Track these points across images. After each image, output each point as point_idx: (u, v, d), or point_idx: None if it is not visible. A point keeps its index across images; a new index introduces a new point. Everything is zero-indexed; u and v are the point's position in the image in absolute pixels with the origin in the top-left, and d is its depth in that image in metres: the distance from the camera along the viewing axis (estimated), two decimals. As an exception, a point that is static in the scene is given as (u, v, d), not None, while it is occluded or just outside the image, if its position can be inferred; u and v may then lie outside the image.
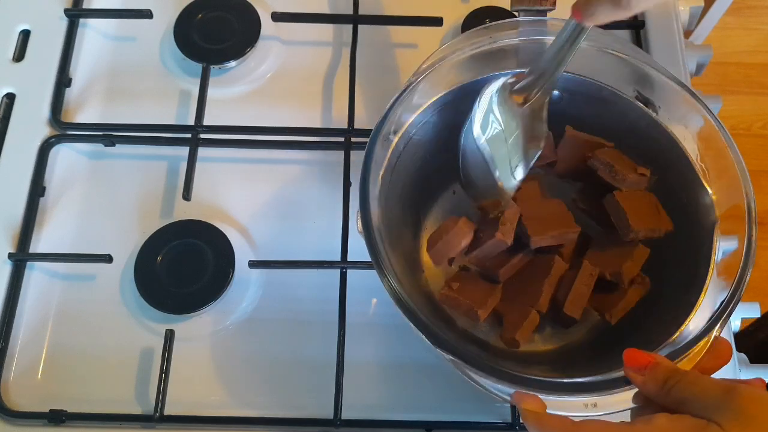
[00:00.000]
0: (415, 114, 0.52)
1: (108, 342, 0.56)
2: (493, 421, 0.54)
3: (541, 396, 0.42)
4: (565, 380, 0.43)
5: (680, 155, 0.50)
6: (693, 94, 0.50)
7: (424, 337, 0.43)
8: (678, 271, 0.50)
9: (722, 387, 0.36)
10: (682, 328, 0.44)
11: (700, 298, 0.45)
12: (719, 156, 0.48)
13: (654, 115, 0.51)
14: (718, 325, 0.43)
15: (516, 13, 0.55)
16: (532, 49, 0.53)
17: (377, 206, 0.47)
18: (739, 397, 0.35)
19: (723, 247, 0.46)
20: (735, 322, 0.58)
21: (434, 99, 0.52)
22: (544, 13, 0.54)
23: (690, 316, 0.45)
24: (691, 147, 0.50)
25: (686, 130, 0.51)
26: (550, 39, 0.53)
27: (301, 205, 0.61)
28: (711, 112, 0.49)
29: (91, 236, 0.60)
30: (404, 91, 0.50)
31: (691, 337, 0.43)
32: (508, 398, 0.43)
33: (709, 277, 0.46)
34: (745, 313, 0.57)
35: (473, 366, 0.42)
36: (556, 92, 0.54)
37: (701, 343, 0.42)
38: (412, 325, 0.43)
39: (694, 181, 0.49)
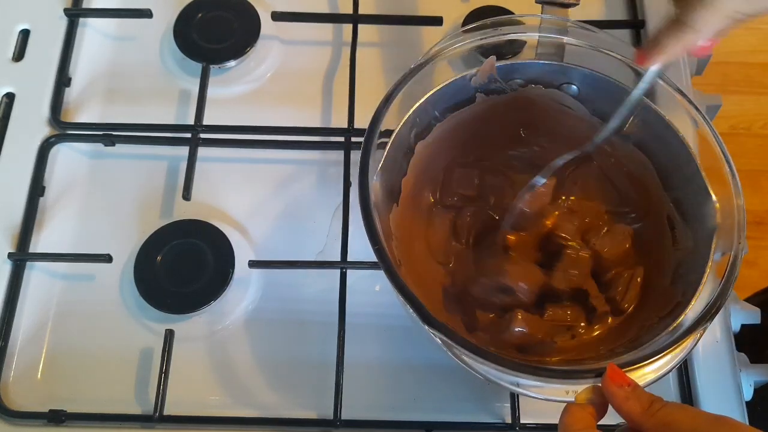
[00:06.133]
0: (418, 102, 0.52)
1: (108, 342, 0.56)
2: (493, 421, 0.54)
3: (532, 382, 0.42)
4: (553, 367, 0.44)
5: (689, 159, 0.51)
6: (690, 101, 0.50)
7: (415, 315, 0.43)
8: (680, 269, 0.51)
9: (712, 416, 0.37)
10: (679, 321, 0.45)
11: (696, 295, 0.46)
12: (715, 164, 0.49)
13: (666, 117, 0.51)
14: (707, 320, 0.44)
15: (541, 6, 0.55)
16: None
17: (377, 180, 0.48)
18: (729, 427, 0.36)
19: (720, 249, 0.47)
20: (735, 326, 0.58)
21: (438, 88, 0.53)
22: (566, 7, 0.54)
23: (685, 312, 0.46)
24: (696, 152, 0.51)
25: (687, 136, 0.51)
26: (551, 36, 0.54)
27: (301, 205, 0.61)
28: (707, 119, 0.50)
29: (91, 236, 0.60)
30: (411, 72, 0.51)
31: (683, 329, 0.44)
32: (509, 386, 0.43)
33: (705, 276, 0.46)
34: (746, 319, 0.57)
35: (459, 345, 0.42)
36: (574, 87, 0.55)
37: (692, 335, 0.44)
38: (406, 305, 0.43)
39: (701, 185, 0.49)
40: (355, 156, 0.59)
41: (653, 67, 0.48)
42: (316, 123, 0.65)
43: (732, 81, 1.51)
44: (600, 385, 0.41)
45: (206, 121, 0.62)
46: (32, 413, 0.53)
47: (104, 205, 0.61)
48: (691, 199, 0.51)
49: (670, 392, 0.55)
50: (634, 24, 0.68)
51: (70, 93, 0.65)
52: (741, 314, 0.57)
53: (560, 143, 0.57)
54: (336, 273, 0.56)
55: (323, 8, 0.70)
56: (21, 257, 0.58)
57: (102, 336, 0.57)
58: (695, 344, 0.44)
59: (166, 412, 0.53)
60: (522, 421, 0.53)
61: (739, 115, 1.49)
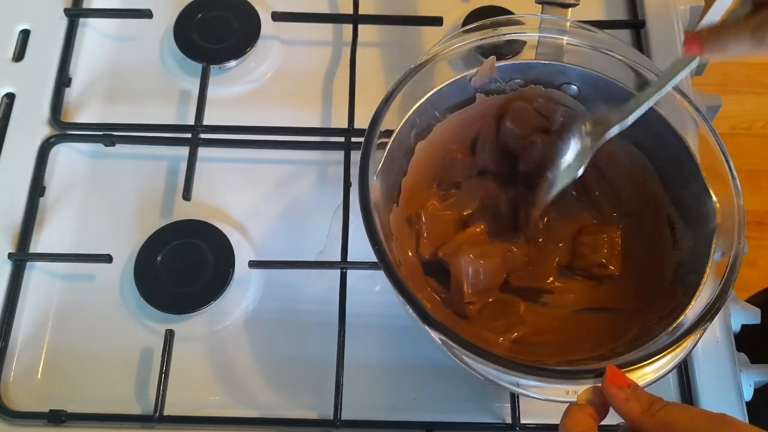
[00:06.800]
0: (418, 102, 0.52)
1: (108, 342, 0.56)
2: (493, 421, 0.54)
3: (532, 382, 0.42)
4: (553, 367, 0.44)
5: (689, 159, 0.51)
6: (690, 102, 0.51)
7: (415, 315, 0.43)
8: (680, 269, 0.51)
9: (711, 415, 0.37)
10: (679, 321, 0.45)
11: (696, 295, 0.46)
12: (715, 164, 0.49)
13: (666, 117, 0.51)
14: (707, 320, 0.44)
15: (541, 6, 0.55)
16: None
17: (377, 181, 0.48)
18: (729, 426, 0.36)
19: (720, 249, 0.47)
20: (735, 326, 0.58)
21: (438, 88, 0.53)
22: (566, 7, 0.54)
23: (685, 312, 0.46)
24: (696, 152, 0.51)
25: (687, 136, 0.51)
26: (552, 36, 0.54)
27: (301, 205, 0.61)
28: (707, 119, 0.50)
29: (91, 236, 0.60)
30: (412, 71, 0.51)
31: (683, 329, 0.44)
32: (509, 386, 0.43)
33: (705, 276, 0.46)
34: (746, 319, 0.57)
35: (459, 345, 0.42)
36: (574, 87, 0.54)
37: (692, 336, 0.44)
38: (406, 305, 0.43)
39: (701, 185, 0.50)
40: (355, 156, 0.59)
41: (693, 59, 0.45)
42: (316, 123, 0.65)
43: (732, 81, 1.51)
44: (600, 385, 0.41)
45: (206, 121, 0.62)
46: (32, 413, 0.53)
47: (104, 205, 0.61)
48: (691, 199, 0.51)
49: (670, 392, 0.55)
50: (634, 24, 0.68)
51: (70, 93, 0.65)
52: (741, 314, 0.57)
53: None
54: (336, 273, 0.56)
55: (323, 8, 0.70)
56: (21, 257, 0.58)
57: (102, 336, 0.57)
58: (695, 344, 0.44)
59: (166, 412, 0.53)
60: (522, 421, 0.53)
61: (739, 115, 1.49)
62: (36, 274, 0.58)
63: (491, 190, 0.56)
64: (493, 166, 0.57)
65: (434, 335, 0.43)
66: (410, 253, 0.53)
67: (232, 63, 0.66)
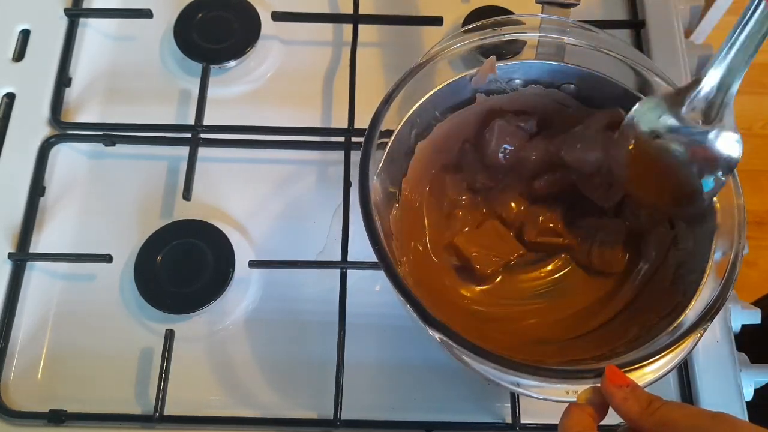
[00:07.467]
0: (418, 102, 0.52)
1: (108, 342, 0.56)
2: (493, 421, 0.54)
3: (532, 382, 0.42)
4: (553, 367, 0.44)
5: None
6: None
7: (415, 315, 0.43)
8: (680, 269, 0.51)
9: (710, 413, 0.37)
10: (679, 321, 0.45)
11: (696, 295, 0.46)
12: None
13: None
14: (707, 320, 0.44)
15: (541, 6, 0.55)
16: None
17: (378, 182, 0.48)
18: (728, 424, 0.36)
19: (720, 248, 0.47)
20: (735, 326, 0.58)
21: (438, 88, 0.53)
22: (567, 7, 0.54)
23: (685, 312, 0.46)
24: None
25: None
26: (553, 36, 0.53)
27: (301, 205, 0.61)
28: None
29: (91, 236, 0.60)
30: (411, 71, 0.51)
31: (683, 329, 0.44)
32: (509, 386, 0.43)
33: (706, 276, 0.47)
34: (746, 319, 0.57)
35: (459, 345, 0.42)
36: (574, 86, 0.54)
37: (692, 335, 0.44)
38: (406, 305, 0.43)
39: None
40: (356, 156, 0.59)
41: None
42: (316, 123, 0.65)
43: (732, 81, 1.51)
44: (599, 385, 0.41)
45: (206, 121, 0.62)
46: (32, 413, 0.53)
47: (104, 205, 0.61)
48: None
49: (671, 392, 0.55)
50: (634, 24, 0.68)
51: (70, 93, 0.65)
52: (741, 314, 0.57)
53: (560, 144, 0.57)
54: (336, 273, 0.56)
55: (323, 8, 0.70)
56: (21, 257, 0.58)
57: (102, 336, 0.57)
58: (695, 344, 0.44)
59: (166, 412, 0.53)
60: (522, 421, 0.53)
61: (739, 115, 1.46)
62: (36, 274, 0.58)
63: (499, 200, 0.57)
64: (486, 182, 0.57)
65: (434, 335, 0.43)
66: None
67: (232, 63, 0.66)
